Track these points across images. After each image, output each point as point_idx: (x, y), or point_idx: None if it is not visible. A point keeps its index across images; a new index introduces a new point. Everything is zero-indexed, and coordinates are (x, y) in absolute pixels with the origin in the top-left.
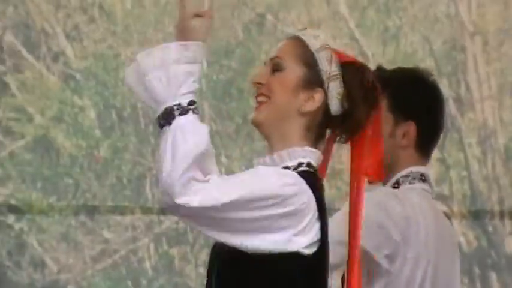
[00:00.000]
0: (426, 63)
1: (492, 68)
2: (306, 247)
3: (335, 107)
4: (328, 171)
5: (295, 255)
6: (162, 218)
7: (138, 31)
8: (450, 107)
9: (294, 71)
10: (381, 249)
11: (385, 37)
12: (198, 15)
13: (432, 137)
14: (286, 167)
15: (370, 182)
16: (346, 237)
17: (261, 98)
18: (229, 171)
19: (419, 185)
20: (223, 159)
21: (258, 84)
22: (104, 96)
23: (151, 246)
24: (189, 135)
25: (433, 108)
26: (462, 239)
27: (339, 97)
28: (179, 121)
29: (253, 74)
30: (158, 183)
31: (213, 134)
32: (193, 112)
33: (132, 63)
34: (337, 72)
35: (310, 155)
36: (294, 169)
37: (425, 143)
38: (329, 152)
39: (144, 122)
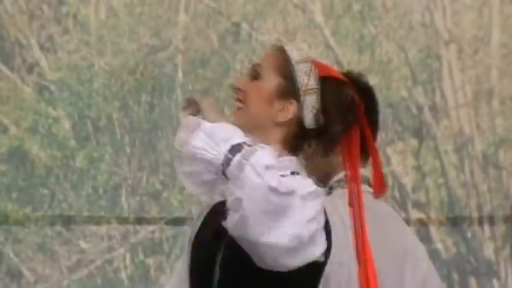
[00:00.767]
0: (401, 72)
1: (467, 76)
2: (322, 255)
3: (309, 120)
4: None
5: (315, 263)
6: (137, 227)
7: (112, 41)
8: (425, 115)
9: (270, 81)
10: None
11: (360, 45)
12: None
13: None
14: None
15: (375, 197)
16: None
17: (237, 104)
18: None
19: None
20: None
21: (236, 89)
22: (78, 106)
23: (127, 256)
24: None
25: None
26: (440, 246)
27: (314, 111)
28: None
29: (228, 82)
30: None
31: None
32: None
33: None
34: (315, 87)
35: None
36: None
37: (362, 146)
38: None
39: (119, 132)
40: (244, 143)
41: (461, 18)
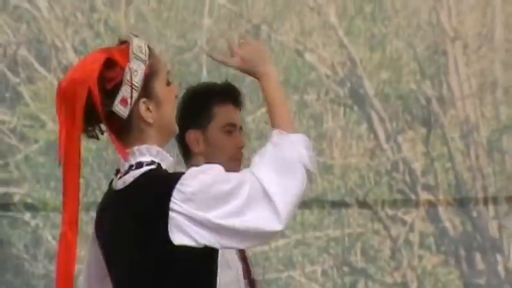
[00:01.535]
0: (410, 67)
1: (472, 69)
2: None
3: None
4: (320, 166)
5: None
6: None
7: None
8: (433, 106)
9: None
10: None
11: (371, 43)
12: None
13: None
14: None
15: None
16: None
17: None
18: None
19: None
20: None
21: None
22: None
23: None
24: None
25: None
26: (448, 225)
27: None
28: None
29: (249, 80)
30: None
31: None
32: None
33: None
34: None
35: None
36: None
37: None
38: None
39: None
40: None
41: (465, 17)
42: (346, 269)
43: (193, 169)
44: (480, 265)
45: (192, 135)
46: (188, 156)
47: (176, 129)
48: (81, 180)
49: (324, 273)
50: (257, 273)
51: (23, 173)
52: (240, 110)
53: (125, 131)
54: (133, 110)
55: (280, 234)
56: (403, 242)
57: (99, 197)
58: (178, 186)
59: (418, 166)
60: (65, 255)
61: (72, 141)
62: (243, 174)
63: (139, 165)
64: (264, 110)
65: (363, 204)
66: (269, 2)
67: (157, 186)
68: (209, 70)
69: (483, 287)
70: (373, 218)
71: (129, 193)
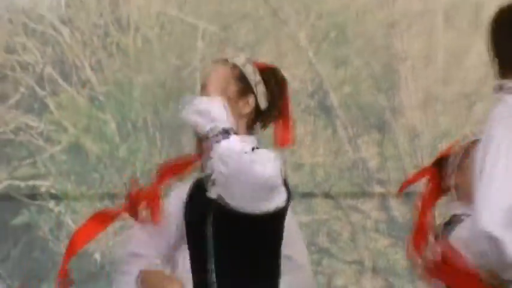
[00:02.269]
0: (368, 82)
1: (418, 85)
2: (284, 201)
3: (263, 105)
4: (293, 164)
5: (281, 208)
6: None
7: (147, 62)
8: (387, 115)
9: (232, 89)
10: None
11: (336, 63)
12: None
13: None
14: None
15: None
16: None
17: None
18: None
19: None
20: None
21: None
22: (121, 111)
23: None
24: None
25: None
26: (397, 213)
27: (264, 96)
28: None
29: None
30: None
31: None
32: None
33: None
34: (260, 78)
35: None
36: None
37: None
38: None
39: (152, 131)
40: (231, 128)
41: (414, 41)
42: (313, 248)
43: None
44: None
45: None
46: None
47: None
48: (96, 175)
49: None
50: None
51: (48, 168)
52: None
53: None
54: None
55: None
56: (361, 227)
57: (111, 188)
58: None
59: (373, 164)
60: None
61: None
62: None
63: None
64: None
65: (327, 195)
66: (251, 29)
67: None
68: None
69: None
70: (336, 207)
71: None
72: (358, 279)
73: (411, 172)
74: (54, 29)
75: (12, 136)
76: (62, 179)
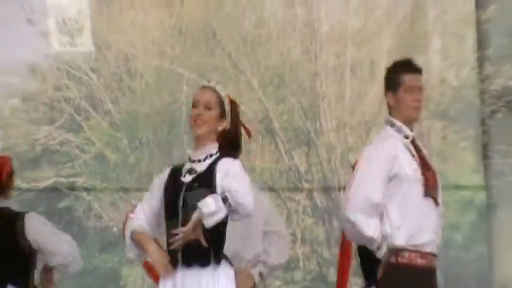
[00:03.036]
0: (299, 113)
1: (334, 115)
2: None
3: (229, 127)
4: (248, 168)
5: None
6: None
7: (148, 99)
8: (312, 135)
9: (216, 111)
10: None
11: (277, 100)
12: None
13: None
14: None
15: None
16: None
17: (199, 122)
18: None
19: None
20: None
21: (200, 115)
22: (131, 132)
23: None
24: None
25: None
26: (319, 201)
27: (230, 122)
28: None
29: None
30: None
31: None
32: None
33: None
34: (229, 107)
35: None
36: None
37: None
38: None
39: (152, 146)
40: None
41: (330, 85)
42: None
43: None
44: (336, 224)
45: None
46: None
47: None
48: (114, 175)
49: None
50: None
51: (82, 170)
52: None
53: None
54: None
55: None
56: (294, 211)
57: (124, 184)
58: None
59: (302, 169)
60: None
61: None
62: None
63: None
64: None
65: (272, 189)
66: (219, 76)
67: None
68: (187, 115)
69: (338, 237)
70: (277, 197)
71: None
72: (292, 247)
73: (328, 174)
74: (87, 75)
75: (58, 147)
76: (91, 177)
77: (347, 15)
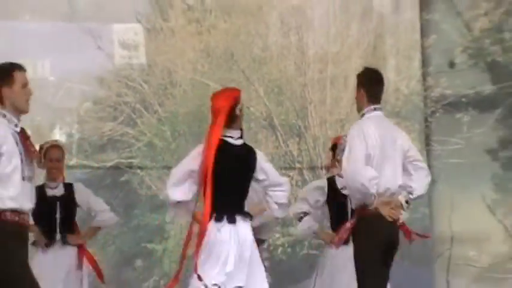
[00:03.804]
0: (293, 114)
1: (318, 115)
2: None
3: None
4: None
5: None
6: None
7: (185, 102)
8: (302, 130)
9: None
10: None
11: (277, 104)
12: None
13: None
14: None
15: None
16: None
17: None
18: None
19: None
20: None
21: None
22: (172, 126)
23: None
24: None
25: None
26: (307, 178)
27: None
28: None
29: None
30: None
31: None
32: None
33: None
34: (241, 105)
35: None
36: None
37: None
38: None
39: (187, 136)
40: None
41: (316, 93)
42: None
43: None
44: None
45: None
46: None
47: None
48: (160, 157)
49: None
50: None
51: (137, 153)
52: None
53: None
54: None
55: None
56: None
57: (168, 163)
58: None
59: (295, 153)
60: None
61: (215, 135)
62: None
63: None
64: None
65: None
66: (235, 87)
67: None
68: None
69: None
70: (280, 175)
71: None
72: (288, 210)
73: (315, 158)
74: (140, 85)
75: (119, 138)
76: (144, 159)
77: (328, 42)
